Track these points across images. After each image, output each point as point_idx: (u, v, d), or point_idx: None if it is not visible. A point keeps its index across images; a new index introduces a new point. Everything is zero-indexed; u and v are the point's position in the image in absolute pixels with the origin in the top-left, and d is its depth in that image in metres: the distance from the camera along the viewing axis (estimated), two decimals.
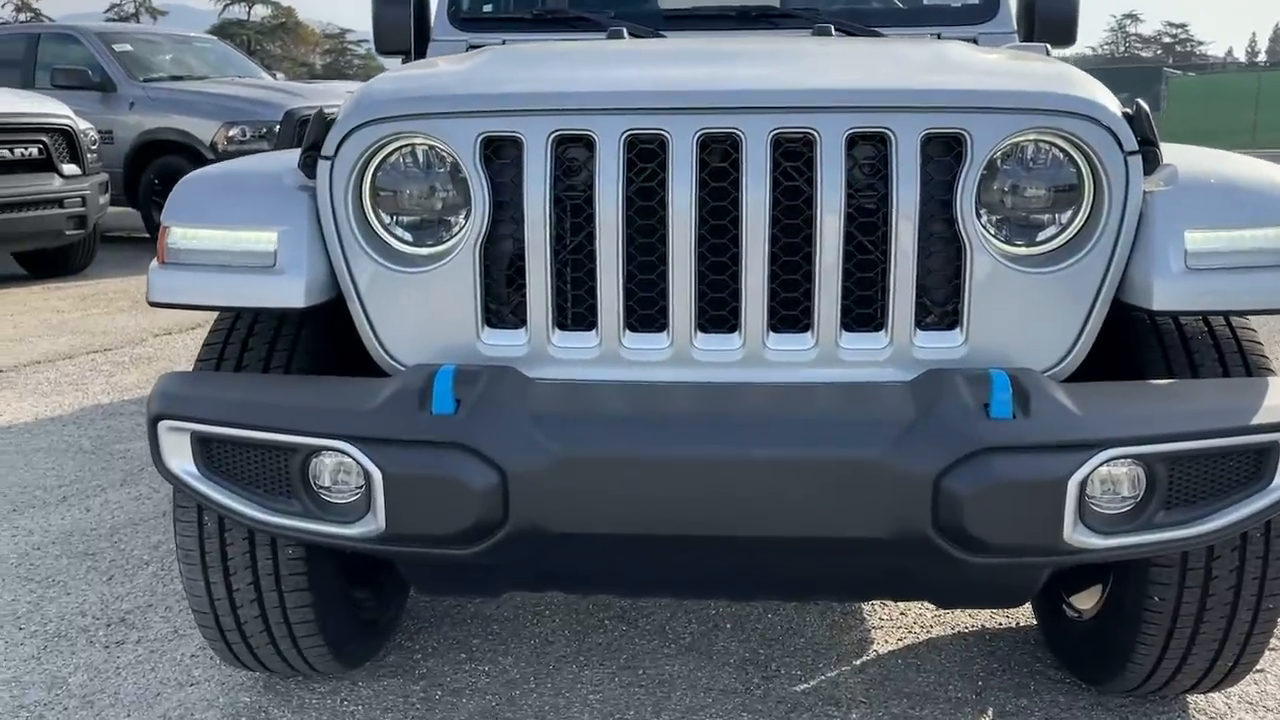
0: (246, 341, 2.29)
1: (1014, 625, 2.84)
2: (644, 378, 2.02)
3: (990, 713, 2.47)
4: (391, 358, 2.08)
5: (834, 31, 2.86)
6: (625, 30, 2.91)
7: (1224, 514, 1.88)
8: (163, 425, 1.98)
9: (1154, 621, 2.23)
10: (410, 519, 1.85)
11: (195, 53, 11.24)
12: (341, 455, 1.87)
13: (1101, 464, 1.80)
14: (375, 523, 1.87)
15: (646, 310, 2.03)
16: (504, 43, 3.24)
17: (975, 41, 3.29)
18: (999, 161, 1.99)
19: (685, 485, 1.82)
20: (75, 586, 3.15)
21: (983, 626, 2.85)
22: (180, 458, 1.99)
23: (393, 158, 2.06)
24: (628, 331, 2.02)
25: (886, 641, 2.79)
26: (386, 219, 2.08)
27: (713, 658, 2.70)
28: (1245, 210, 2.04)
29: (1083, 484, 1.81)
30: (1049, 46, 3.24)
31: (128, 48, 10.24)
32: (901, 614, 2.92)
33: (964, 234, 1.95)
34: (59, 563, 3.32)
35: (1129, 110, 2.02)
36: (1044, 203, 2.02)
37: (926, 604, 2.94)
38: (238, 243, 2.11)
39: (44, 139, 7.64)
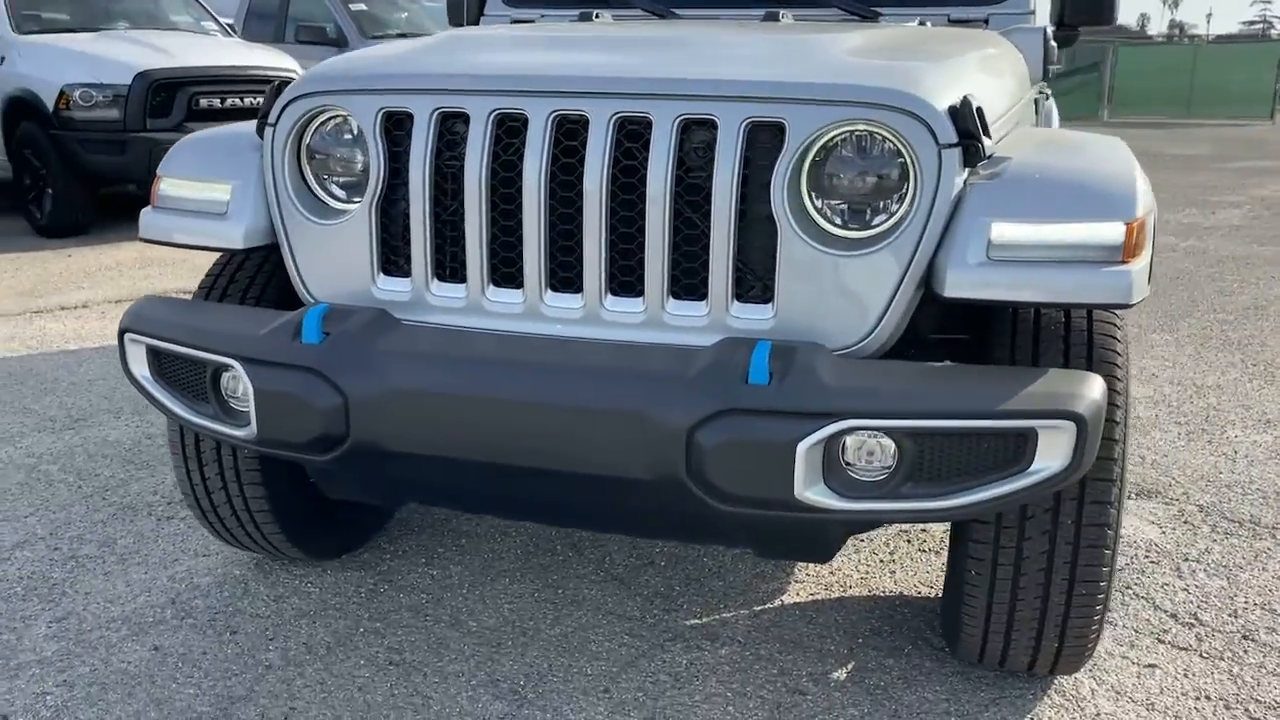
0: (234, 276, 2.77)
1: (931, 595, 2.96)
2: (501, 327, 2.33)
3: (851, 666, 2.64)
4: (312, 296, 2.49)
5: (792, 18, 3.02)
6: (610, 14, 3.19)
7: (976, 492, 2.00)
8: (127, 337, 2.47)
9: (974, 596, 2.35)
10: (275, 427, 2.25)
11: (429, 13, 12.12)
12: (236, 371, 2.30)
13: (838, 433, 1.96)
14: (252, 428, 2.29)
15: (508, 269, 2.33)
16: (536, 20, 3.60)
17: (986, 22, 3.35)
18: (834, 149, 2.15)
19: (477, 419, 2.13)
20: (161, 470, 3.80)
21: (900, 594, 2.99)
22: (139, 364, 2.49)
23: (324, 126, 2.45)
24: (490, 286, 2.34)
25: (799, 595, 2.98)
26: (316, 178, 2.47)
27: (631, 588, 2.99)
28: (1057, 205, 2.10)
29: (826, 448, 1.98)
30: (1048, 29, 3.26)
31: (363, 6, 11.20)
32: (831, 573, 3.09)
33: (777, 217, 2.13)
34: (159, 451, 3.98)
35: (955, 104, 2.12)
36: (867, 191, 2.17)
37: (857, 567, 3.11)
38: (202, 192, 2.58)
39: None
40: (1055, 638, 2.36)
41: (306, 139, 2.47)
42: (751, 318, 2.20)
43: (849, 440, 2.01)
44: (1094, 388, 2.01)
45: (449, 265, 2.39)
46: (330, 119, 2.45)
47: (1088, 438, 1.97)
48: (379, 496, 2.64)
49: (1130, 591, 3.03)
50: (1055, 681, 2.60)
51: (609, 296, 2.27)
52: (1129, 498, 3.65)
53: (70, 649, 2.69)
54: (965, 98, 2.13)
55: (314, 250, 2.47)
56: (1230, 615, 2.92)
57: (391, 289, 2.41)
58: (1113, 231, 2.08)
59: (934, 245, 2.12)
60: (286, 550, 2.95)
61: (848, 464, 2.04)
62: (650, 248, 2.20)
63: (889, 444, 2.01)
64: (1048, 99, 5.06)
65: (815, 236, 2.16)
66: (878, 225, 2.17)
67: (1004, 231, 2.09)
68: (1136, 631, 2.83)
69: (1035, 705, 2.51)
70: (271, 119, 2.47)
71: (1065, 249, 2.09)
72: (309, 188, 2.49)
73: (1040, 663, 2.44)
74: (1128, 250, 2.08)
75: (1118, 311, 2.35)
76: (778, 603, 2.94)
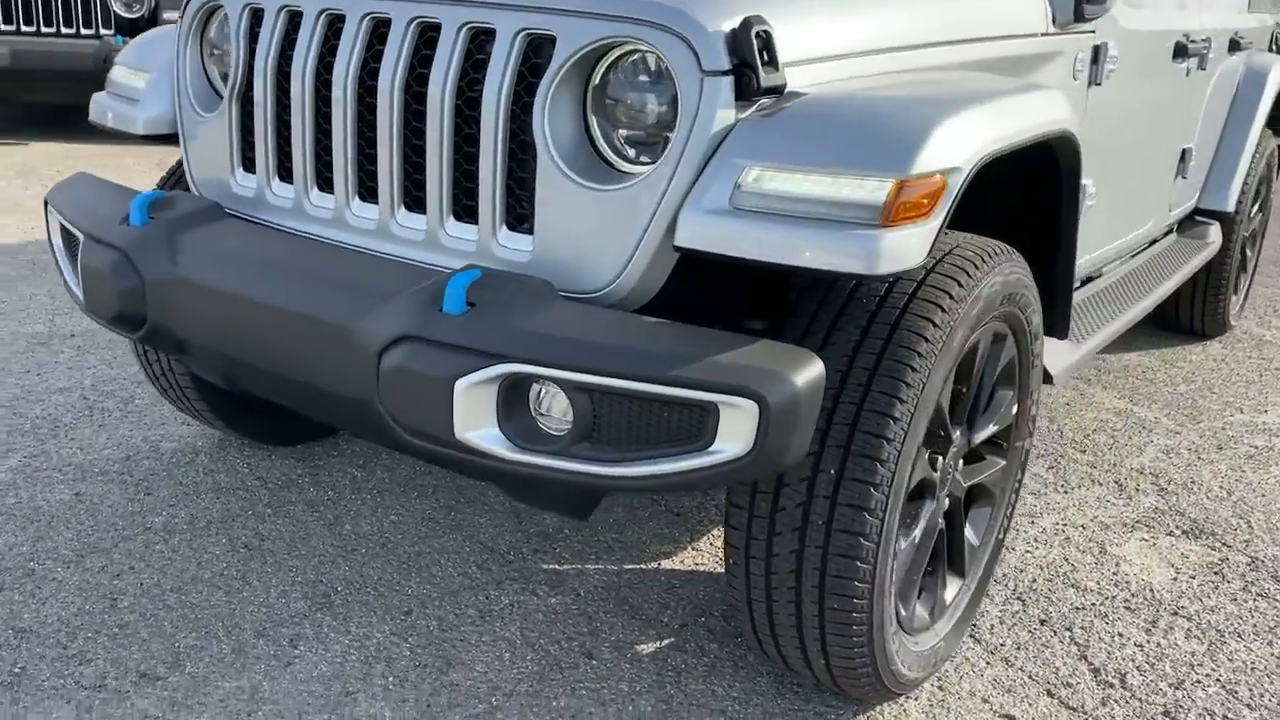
0: (179, 173, 2.94)
1: None
2: (317, 232, 2.33)
3: (667, 643, 2.45)
4: (196, 188, 2.60)
5: None
6: None
7: (652, 464, 1.77)
8: (49, 208, 2.70)
9: (734, 587, 2.11)
10: (93, 301, 2.39)
11: None
12: (81, 245, 2.45)
13: (505, 377, 1.80)
14: (82, 298, 2.44)
15: (329, 174, 2.32)
16: None
17: None
18: (613, 70, 1.97)
19: (226, 314, 2.14)
20: None
21: None
22: (54, 233, 2.71)
23: (223, 22, 2.54)
24: (314, 190, 2.34)
25: (682, 564, 2.79)
26: (207, 73, 2.57)
27: (522, 525, 2.92)
28: (830, 152, 1.81)
29: (503, 392, 1.82)
30: None
31: None
32: None
33: (536, 139, 1.98)
34: None
35: (735, 27, 1.86)
36: (643, 120, 1.96)
37: None
38: (130, 79, 2.75)
39: None
40: (819, 652, 2.06)
41: (210, 33, 2.56)
42: (515, 248, 2.06)
43: (538, 389, 1.84)
44: (797, 369, 1.72)
45: (287, 166, 2.40)
46: (222, 17, 2.52)
47: (773, 423, 1.69)
48: (208, 377, 2.70)
49: (1067, 632, 2.58)
50: (882, 708, 2.28)
51: (401, 211, 2.20)
52: (1173, 533, 3.08)
53: (14, 481, 3.02)
54: (748, 20, 1.85)
55: (196, 142, 2.57)
56: (1171, 686, 2.42)
57: (245, 185, 2.46)
58: (872, 189, 1.76)
59: (686, 186, 1.87)
60: (220, 426, 3.13)
61: (540, 414, 1.87)
62: (429, 162, 2.11)
63: (567, 397, 1.82)
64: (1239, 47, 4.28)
65: (579, 166, 1.98)
66: (645, 160, 1.96)
67: (757, 177, 1.82)
68: (1030, 676, 2.42)
69: None
70: (181, 14, 2.58)
71: (823, 204, 1.80)
72: (207, 80, 2.59)
73: (817, 674, 2.15)
74: (890, 212, 1.75)
75: (953, 292, 1.98)
76: (654, 566, 2.76)
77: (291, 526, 2.86)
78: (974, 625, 2.60)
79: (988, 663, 2.47)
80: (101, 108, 2.83)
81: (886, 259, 1.75)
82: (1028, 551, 2.95)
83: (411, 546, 2.80)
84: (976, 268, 2.05)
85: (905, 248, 1.77)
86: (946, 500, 2.32)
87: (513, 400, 1.85)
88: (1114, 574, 2.86)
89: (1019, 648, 2.53)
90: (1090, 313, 3.32)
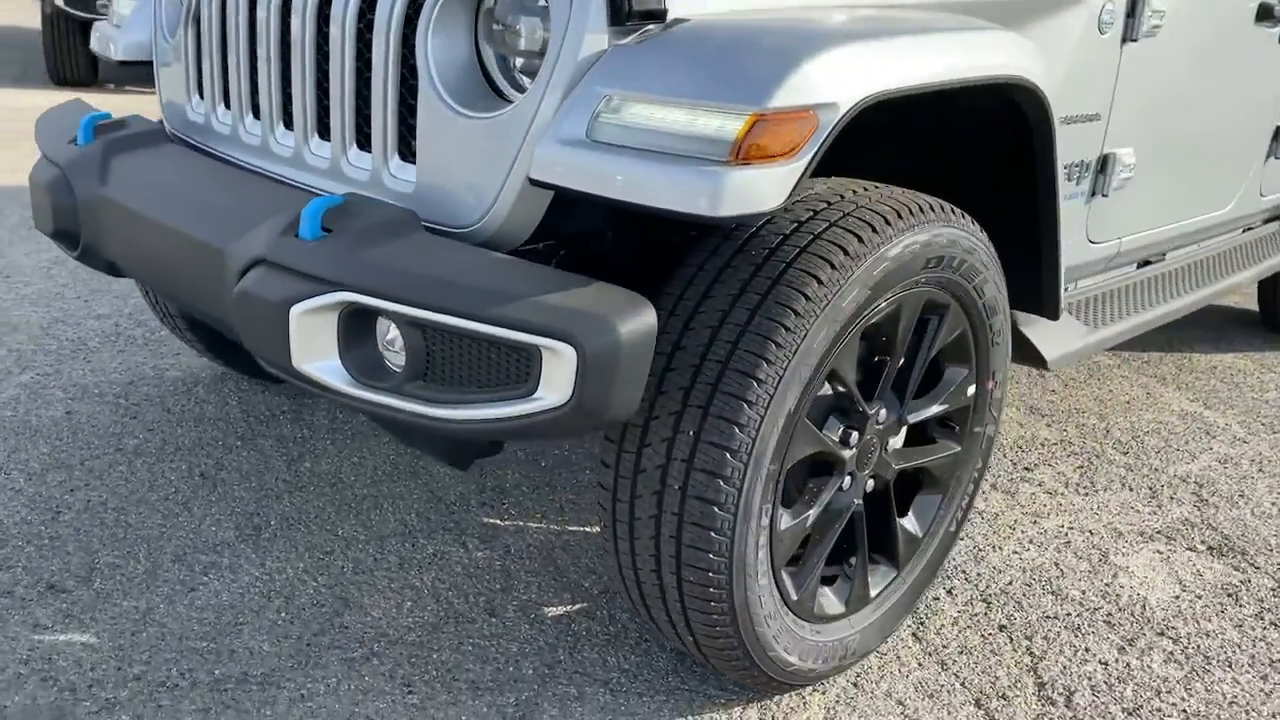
0: None
1: None
2: (249, 159, 2.31)
3: (575, 609, 2.35)
4: (163, 113, 2.62)
5: None
6: None
7: (478, 408, 1.67)
8: (35, 133, 2.77)
9: (608, 550, 1.98)
10: (38, 217, 2.43)
11: None
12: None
13: (338, 306, 1.72)
14: (34, 216, 2.49)
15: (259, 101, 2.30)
16: None
17: None
18: None
19: (138, 236, 2.14)
20: None
21: None
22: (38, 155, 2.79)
23: None
24: (248, 115, 2.32)
25: None
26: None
27: (483, 478, 2.86)
28: (696, 81, 1.65)
29: (344, 323, 1.74)
30: None
31: None
32: None
33: (417, 63, 1.89)
34: None
35: None
36: (524, 44, 1.85)
37: None
38: (123, 7, 2.80)
39: None
40: (685, 627, 1.92)
41: None
42: (403, 179, 1.98)
43: (385, 323, 1.76)
44: (623, 315, 1.59)
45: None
46: None
47: (590, 371, 1.57)
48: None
49: (1026, 641, 2.34)
50: (781, 700, 2.11)
51: (314, 138, 2.15)
52: (1196, 548, 2.77)
53: (18, 396, 3.14)
54: None
55: (163, 68, 2.59)
56: (1124, 711, 2.16)
57: (198, 112, 2.46)
58: (724, 122, 1.59)
59: (551, 116, 1.75)
60: (209, 356, 3.18)
61: (388, 350, 1.79)
62: (332, 87, 2.05)
63: (401, 332, 1.74)
64: None
65: (463, 94, 1.88)
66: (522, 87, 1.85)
67: (615, 106, 1.69)
68: (962, 684, 2.20)
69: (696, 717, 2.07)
70: None
71: (677, 138, 1.66)
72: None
73: (697, 654, 2.01)
74: (740, 150, 1.59)
75: (849, 248, 1.79)
76: (596, 530, 2.65)
77: (254, 459, 2.88)
78: (921, 623, 2.39)
79: (920, 663, 2.26)
80: (101, 36, 2.90)
81: (730, 200, 1.59)
82: (1015, 552, 2.70)
83: (361, 489, 2.77)
84: (888, 224, 1.85)
85: (756, 190, 1.60)
86: (870, 482, 2.12)
87: (356, 333, 1.77)
88: (1106, 585, 2.59)
89: (963, 651, 2.31)
90: (1121, 299, 3.00)
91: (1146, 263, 3.26)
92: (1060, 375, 3.86)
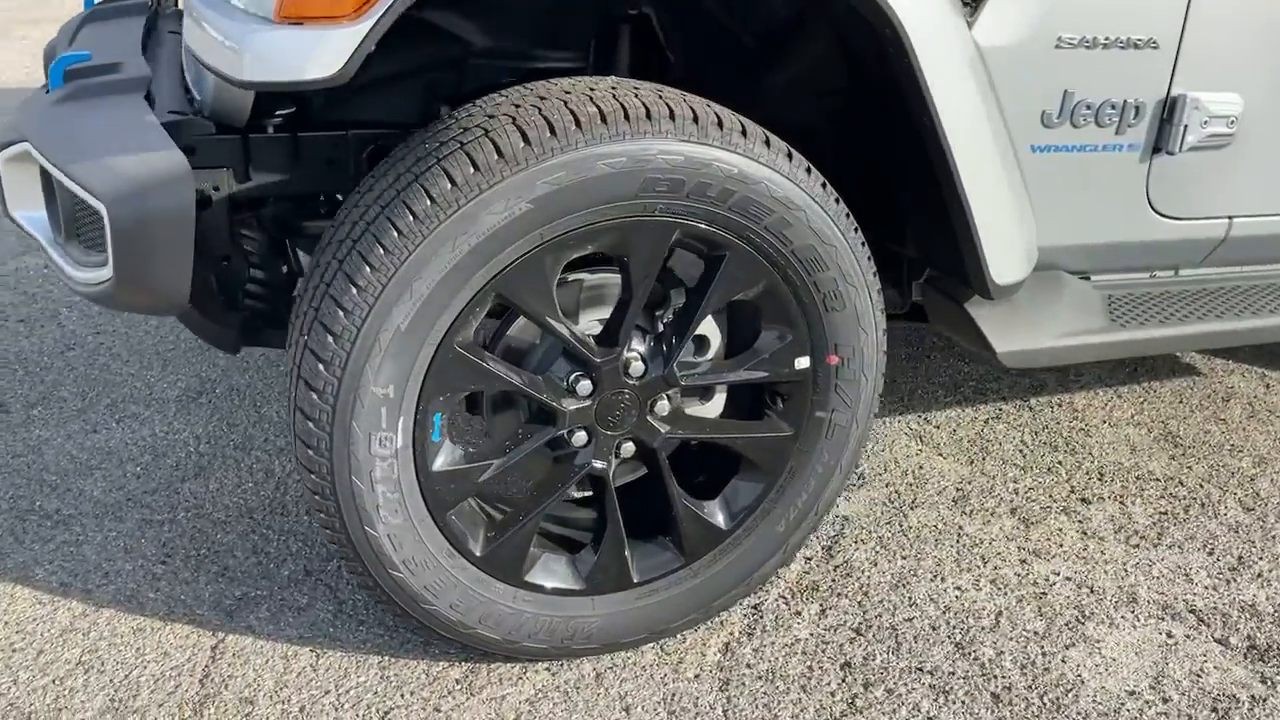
0: None
1: None
2: None
3: None
4: None
5: None
6: None
7: (87, 270, 1.63)
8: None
9: None
10: None
11: None
12: None
13: (17, 155, 1.72)
14: None
15: None
16: None
17: None
18: None
19: None
20: None
21: None
22: None
23: None
24: None
25: None
26: None
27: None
28: None
29: (41, 171, 1.76)
30: None
31: None
32: None
33: None
34: None
35: None
36: None
37: None
38: None
39: None
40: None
41: None
42: None
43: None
44: (156, 178, 1.51)
45: None
46: None
47: (117, 235, 1.54)
48: None
49: (850, 691, 1.89)
50: (476, 665, 1.88)
51: None
52: (1229, 642, 2.06)
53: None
54: None
55: None
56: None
57: None
58: None
59: None
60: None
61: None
62: None
63: None
64: None
65: None
66: None
67: None
68: (725, 710, 1.81)
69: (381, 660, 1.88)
70: None
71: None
72: None
73: None
74: (284, 6, 1.38)
75: (480, 160, 1.51)
76: None
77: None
78: (747, 632, 2.00)
79: (696, 674, 1.89)
80: None
81: (259, 65, 1.40)
82: (957, 589, 2.16)
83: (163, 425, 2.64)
84: (552, 134, 1.52)
85: (297, 54, 1.39)
86: (631, 447, 1.79)
87: (53, 186, 1.78)
88: (1042, 655, 1.99)
89: (765, 678, 1.90)
90: (1176, 301, 2.25)
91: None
92: (1243, 402, 2.99)
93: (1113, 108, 2.00)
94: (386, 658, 1.89)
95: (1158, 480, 2.59)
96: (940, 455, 2.64)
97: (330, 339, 1.54)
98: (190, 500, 2.28)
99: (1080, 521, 2.41)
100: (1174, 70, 2.02)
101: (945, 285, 2.07)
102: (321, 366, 1.55)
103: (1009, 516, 2.42)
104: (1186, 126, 2.04)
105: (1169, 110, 2.04)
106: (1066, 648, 2.02)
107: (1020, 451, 2.68)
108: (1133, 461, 2.67)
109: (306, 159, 1.88)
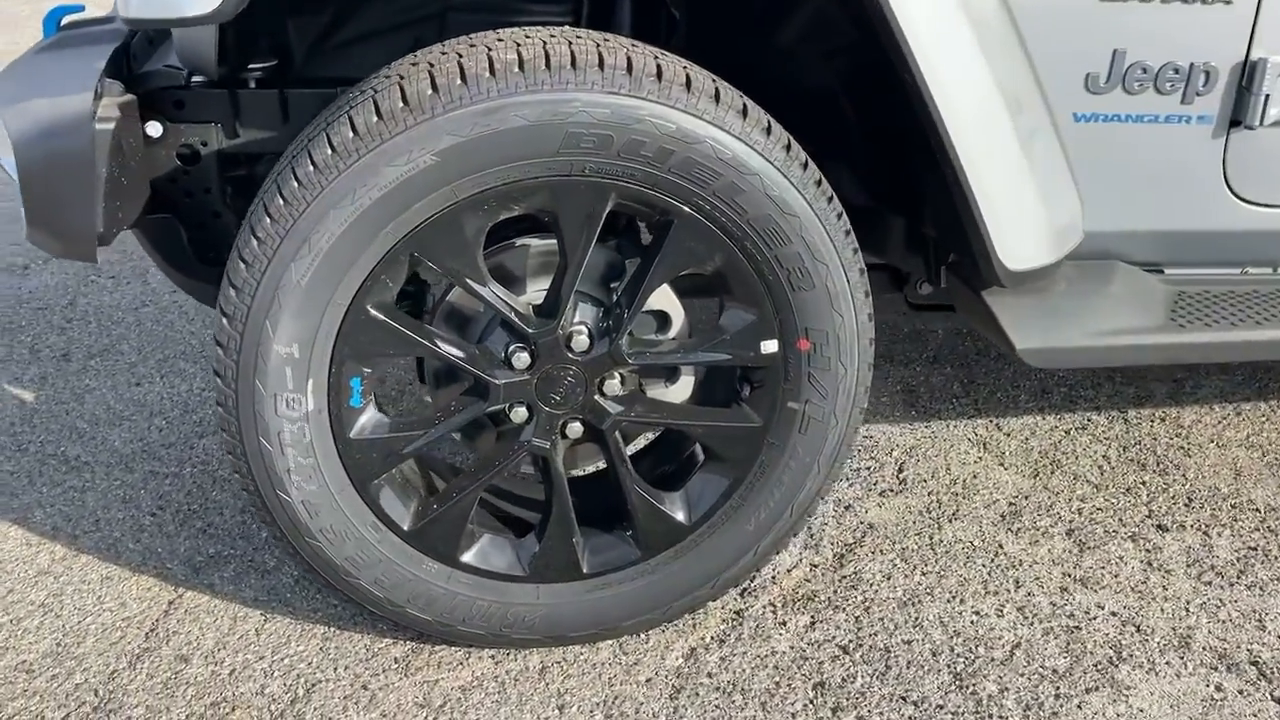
0: None
1: None
2: None
3: None
4: None
5: None
6: None
7: None
8: None
9: None
10: None
11: None
12: None
13: None
14: None
15: None
16: None
17: None
18: None
19: None
20: None
21: None
22: None
23: None
24: None
25: None
26: None
27: None
28: None
29: None
30: None
31: None
32: None
33: None
34: None
35: None
36: None
37: None
38: None
39: None
40: None
41: None
42: None
43: None
44: (61, 122, 1.47)
45: None
46: None
47: (22, 169, 1.51)
48: None
49: (818, 712, 1.70)
50: (418, 645, 1.80)
51: None
52: (1249, 693, 1.75)
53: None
54: None
55: None
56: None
57: None
58: None
59: None
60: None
61: None
62: None
63: None
64: None
65: None
66: None
67: None
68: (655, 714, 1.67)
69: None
70: None
71: None
72: None
73: None
74: None
75: (359, 123, 1.42)
76: None
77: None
78: (721, 639, 1.83)
79: (649, 677, 1.75)
80: None
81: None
82: (976, 613, 1.92)
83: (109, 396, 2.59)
84: (464, 84, 1.42)
85: None
86: (578, 427, 1.66)
87: None
88: (1053, 698, 1.75)
89: (720, 690, 1.73)
90: (1259, 302, 1.91)
91: None
92: None
93: (1175, 72, 1.72)
94: (333, 629, 1.84)
95: (1257, 511, 2.25)
96: (1001, 465, 2.38)
97: (233, 292, 1.49)
98: (201, 456, 2.30)
99: (1148, 551, 2.11)
100: (1254, 29, 1.72)
101: (963, 270, 1.83)
102: (225, 321, 1.50)
103: (1063, 538, 2.14)
104: (1269, 96, 1.74)
105: (1248, 76, 1.74)
106: (1087, 691, 1.76)
107: (1099, 467, 2.38)
108: (1233, 488, 2.33)
109: (295, 116, 1.84)
